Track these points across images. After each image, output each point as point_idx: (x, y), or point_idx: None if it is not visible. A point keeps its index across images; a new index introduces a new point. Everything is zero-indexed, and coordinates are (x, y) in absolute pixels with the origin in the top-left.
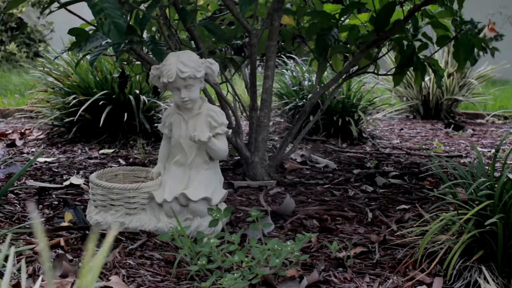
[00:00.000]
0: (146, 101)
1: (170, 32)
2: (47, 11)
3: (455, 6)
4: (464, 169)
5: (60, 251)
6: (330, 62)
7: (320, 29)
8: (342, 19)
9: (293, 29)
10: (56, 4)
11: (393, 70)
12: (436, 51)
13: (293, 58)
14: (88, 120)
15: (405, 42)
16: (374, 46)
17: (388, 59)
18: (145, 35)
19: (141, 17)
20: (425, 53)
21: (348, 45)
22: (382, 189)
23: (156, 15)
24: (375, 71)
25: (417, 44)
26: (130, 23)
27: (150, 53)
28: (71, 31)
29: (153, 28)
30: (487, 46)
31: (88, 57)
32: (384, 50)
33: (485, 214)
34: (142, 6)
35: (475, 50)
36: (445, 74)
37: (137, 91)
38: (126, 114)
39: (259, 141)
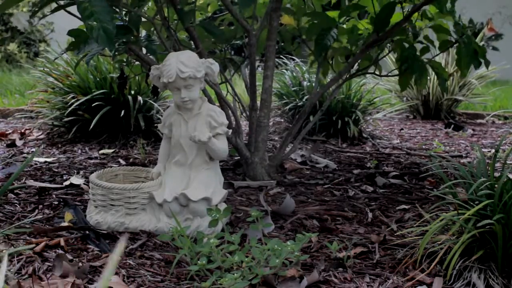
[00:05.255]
0: (142, 102)
1: (169, 32)
2: (42, 12)
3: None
4: (464, 169)
5: (60, 251)
6: (331, 63)
7: (320, 29)
8: (341, 20)
9: (293, 30)
10: (50, 7)
11: (394, 71)
12: (437, 55)
13: (293, 59)
14: (88, 120)
15: (407, 45)
16: (374, 47)
17: (389, 60)
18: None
19: (135, 17)
20: (427, 55)
21: (349, 46)
22: (382, 189)
23: (153, 15)
24: (375, 72)
25: (419, 47)
26: (127, 24)
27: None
28: (71, 32)
29: (152, 28)
30: (485, 54)
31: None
32: (385, 51)
33: (485, 214)
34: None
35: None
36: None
37: (135, 92)
38: (125, 114)
39: (259, 141)
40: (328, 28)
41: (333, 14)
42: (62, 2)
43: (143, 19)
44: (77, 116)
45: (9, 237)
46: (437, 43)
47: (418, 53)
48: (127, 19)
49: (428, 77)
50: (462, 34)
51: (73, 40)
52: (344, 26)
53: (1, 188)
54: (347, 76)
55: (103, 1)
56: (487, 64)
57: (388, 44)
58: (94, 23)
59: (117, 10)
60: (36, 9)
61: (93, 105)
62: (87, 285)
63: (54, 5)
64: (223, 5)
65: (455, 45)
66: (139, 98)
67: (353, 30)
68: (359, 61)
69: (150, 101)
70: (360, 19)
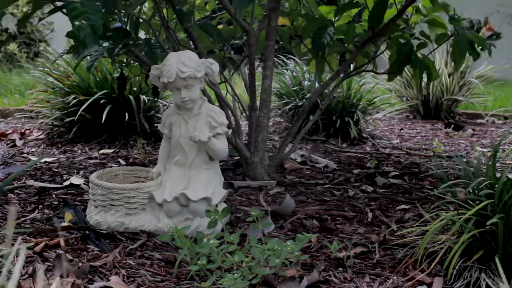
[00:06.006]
0: (146, 101)
1: (168, 33)
2: (42, 13)
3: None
4: (466, 169)
5: (60, 251)
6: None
7: (316, 27)
8: (336, 18)
9: (290, 29)
10: (49, 6)
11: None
12: (434, 49)
13: (293, 58)
14: (88, 120)
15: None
16: (370, 43)
17: (387, 59)
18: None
19: (134, 20)
20: (424, 52)
21: (345, 44)
22: (382, 189)
23: (150, 16)
24: (374, 70)
25: (415, 42)
26: (127, 27)
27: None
28: (69, 34)
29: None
30: (484, 45)
31: (88, 58)
32: (382, 48)
33: (485, 214)
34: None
35: (476, 45)
36: (445, 73)
37: (136, 90)
38: (126, 114)
39: (258, 141)
40: (324, 27)
41: (327, 9)
42: (59, 3)
43: (140, 20)
44: (77, 116)
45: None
46: (434, 39)
47: (415, 49)
48: (124, 19)
49: None
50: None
51: (74, 41)
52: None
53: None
54: (345, 74)
55: (96, 3)
56: (490, 52)
57: (385, 42)
58: (83, 21)
59: (116, 12)
60: (30, 12)
61: (94, 105)
62: (87, 285)
63: (52, 6)
64: (221, 5)
65: (451, 38)
66: (143, 97)
67: (349, 28)
68: (356, 59)
69: (159, 100)
70: (359, 16)
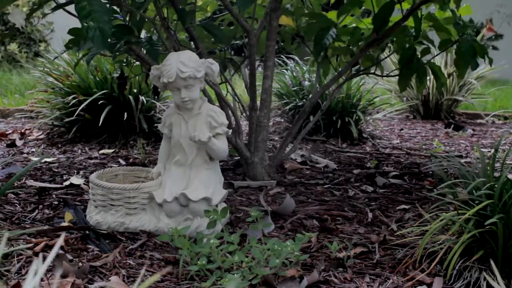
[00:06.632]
0: (145, 101)
1: (168, 32)
2: (41, 12)
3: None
4: (465, 169)
5: (60, 251)
6: (337, 62)
7: (318, 28)
8: (340, 20)
9: (292, 30)
10: (50, 6)
11: (394, 72)
12: (437, 55)
13: (293, 58)
14: (88, 120)
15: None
16: (375, 46)
17: (389, 60)
18: (144, 35)
19: (138, 18)
20: (427, 56)
21: (350, 47)
22: (382, 189)
23: (154, 16)
24: (376, 72)
25: (419, 48)
26: (129, 24)
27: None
28: (71, 31)
29: (152, 28)
30: (486, 53)
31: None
32: (386, 53)
33: (485, 214)
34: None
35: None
36: (445, 74)
37: (136, 92)
38: (126, 114)
39: (259, 141)
40: (327, 28)
41: (333, 14)
42: (63, 0)
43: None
44: (77, 116)
45: (8, 237)
46: (437, 43)
47: (418, 54)
48: (127, 18)
49: (428, 77)
50: (462, 34)
51: (72, 38)
52: (349, 22)
53: (1, 189)
54: (348, 76)
55: (102, 1)
56: (490, 61)
57: (390, 45)
58: (91, 23)
59: (118, 10)
60: (35, 6)
61: (94, 105)
62: (87, 285)
63: (54, 4)
64: (223, 5)
65: (455, 44)
66: (142, 98)
67: (355, 30)
68: (361, 62)
69: (153, 101)
70: (362, 16)
